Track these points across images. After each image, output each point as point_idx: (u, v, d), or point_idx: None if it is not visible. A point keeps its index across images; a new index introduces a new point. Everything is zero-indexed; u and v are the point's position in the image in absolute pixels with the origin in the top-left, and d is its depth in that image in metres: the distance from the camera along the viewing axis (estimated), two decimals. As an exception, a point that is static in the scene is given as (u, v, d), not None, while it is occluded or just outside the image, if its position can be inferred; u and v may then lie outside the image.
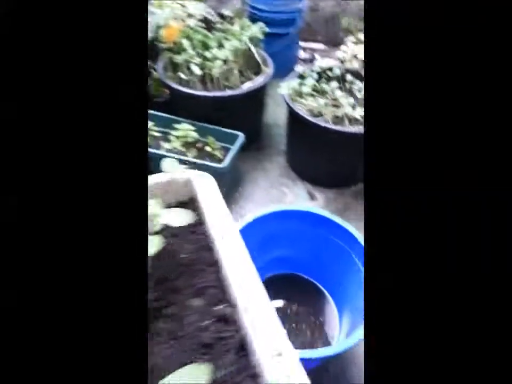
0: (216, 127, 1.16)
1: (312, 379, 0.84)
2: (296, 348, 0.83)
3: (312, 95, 1.08)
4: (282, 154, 1.34)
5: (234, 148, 1.11)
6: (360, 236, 0.74)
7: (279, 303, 0.90)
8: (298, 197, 1.21)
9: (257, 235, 0.82)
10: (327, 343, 0.83)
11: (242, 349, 0.31)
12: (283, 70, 1.34)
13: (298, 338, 0.84)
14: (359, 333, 0.63)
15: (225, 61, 1.14)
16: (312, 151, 1.14)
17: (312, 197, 1.21)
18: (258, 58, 1.22)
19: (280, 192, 1.22)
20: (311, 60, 1.73)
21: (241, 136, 1.14)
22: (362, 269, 0.73)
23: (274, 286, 0.91)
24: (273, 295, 0.90)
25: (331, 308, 0.87)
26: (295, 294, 0.91)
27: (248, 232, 0.79)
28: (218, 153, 1.15)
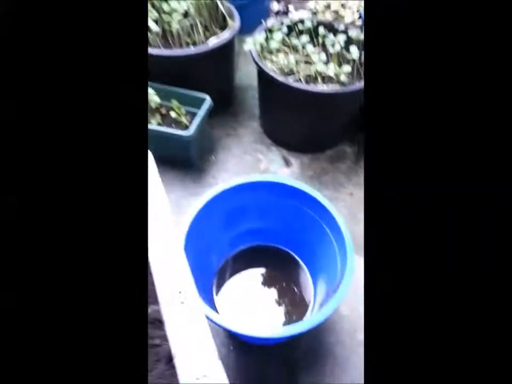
0: (181, 90, 1.07)
1: (286, 349, 0.82)
2: (285, 307, 0.82)
3: (283, 51, 0.99)
4: (256, 118, 1.26)
5: (201, 113, 1.02)
6: (331, 207, 0.70)
7: (261, 270, 0.88)
8: (273, 164, 1.15)
9: (227, 207, 0.78)
10: (306, 307, 0.82)
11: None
12: (253, 24, 1.22)
13: (287, 296, 0.84)
14: (333, 304, 0.61)
15: (185, 15, 1.02)
16: (285, 113, 1.06)
17: (287, 163, 1.15)
18: (224, 11, 1.09)
19: (255, 159, 1.16)
20: (285, 12, 1.59)
21: (208, 100, 1.05)
22: (333, 239, 0.70)
23: (250, 256, 0.89)
24: (251, 264, 0.88)
25: (306, 276, 0.86)
26: (272, 263, 0.89)
27: (216, 204, 0.74)
28: (184, 119, 1.07)
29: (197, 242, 0.73)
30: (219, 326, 0.58)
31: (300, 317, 0.80)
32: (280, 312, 0.82)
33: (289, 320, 0.80)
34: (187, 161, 1.10)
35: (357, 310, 0.86)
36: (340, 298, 0.61)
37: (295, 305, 0.83)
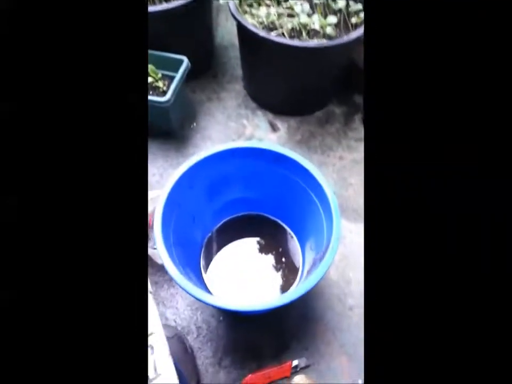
0: (156, 52, 0.98)
1: (276, 317, 0.81)
2: (275, 275, 0.81)
3: (264, 4, 0.90)
4: (239, 80, 1.18)
5: (178, 76, 0.95)
6: (317, 173, 0.66)
7: (249, 240, 0.85)
8: (259, 129, 1.09)
9: (210, 175, 0.74)
10: (296, 275, 0.81)
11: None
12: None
13: (277, 264, 0.83)
14: (320, 271, 0.59)
15: (154, -36, 0.92)
16: (268, 73, 0.99)
17: (274, 128, 1.09)
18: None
19: (239, 125, 1.10)
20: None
21: (185, 61, 0.97)
22: (320, 206, 0.67)
23: (237, 227, 0.86)
24: (238, 235, 0.85)
25: (295, 244, 0.84)
26: (260, 232, 0.86)
27: (198, 173, 0.70)
28: (161, 84, 0.99)
29: (178, 215, 0.69)
30: (205, 302, 0.56)
31: (291, 284, 0.79)
32: (270, 281, 0.80)
33: (280, 289, 0.79)
34: (167, 130, 1.04)
35: (346, 275, 0.85)
36: (326, 265, 0.59)
37: (285, 274, 0.81)
